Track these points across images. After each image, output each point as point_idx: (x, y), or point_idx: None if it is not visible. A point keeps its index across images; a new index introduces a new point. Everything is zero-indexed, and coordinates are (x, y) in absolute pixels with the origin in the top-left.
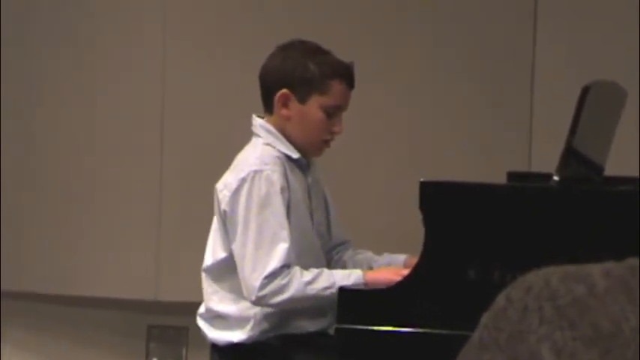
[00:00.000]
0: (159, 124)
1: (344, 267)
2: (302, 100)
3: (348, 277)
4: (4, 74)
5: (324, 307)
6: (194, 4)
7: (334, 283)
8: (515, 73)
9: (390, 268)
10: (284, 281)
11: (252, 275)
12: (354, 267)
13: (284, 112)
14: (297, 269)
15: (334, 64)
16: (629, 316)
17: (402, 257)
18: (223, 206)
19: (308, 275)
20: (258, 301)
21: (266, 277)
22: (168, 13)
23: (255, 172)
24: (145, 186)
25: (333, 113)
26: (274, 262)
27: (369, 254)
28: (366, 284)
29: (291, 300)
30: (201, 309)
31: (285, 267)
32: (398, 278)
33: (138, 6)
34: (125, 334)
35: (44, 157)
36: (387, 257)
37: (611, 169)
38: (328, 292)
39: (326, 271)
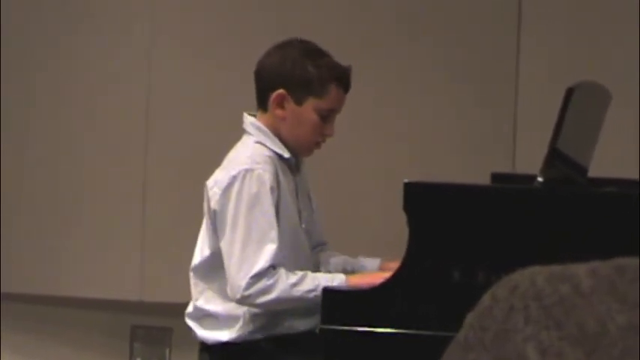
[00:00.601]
0: (144, 126)
1: (317, 268)
2: (298, 102)
3: (331, 281)
4: (2, 76)
5: (314, 306)
6: (182, 4)
7: (318, 286)
8: (500, 75)
9: (374, 273)
10: (270, 282)
11: (239, 274)
12: (329, 268)
13: (279, 112)
14: (282, 271)
15: (333, 68)
16: (615, 316)
17: (376, 261)
18: (213, 204)
19: (293, 277)
20: (242, 301)
21: (252, 277)
22: (156, 12)
23: (247, 170)
24: (130, 187)
25: (327, 116)
26: (261, 262)
27: (344, 257)
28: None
29: (276, 301)
30: (189, 308)
31: (272, 267)
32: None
33: (126, 6)
34: (109, 334)
35: (31, 160)
36: (361, 260)
37: (611, 170)
38: (312, 294)
39: (310, 274)
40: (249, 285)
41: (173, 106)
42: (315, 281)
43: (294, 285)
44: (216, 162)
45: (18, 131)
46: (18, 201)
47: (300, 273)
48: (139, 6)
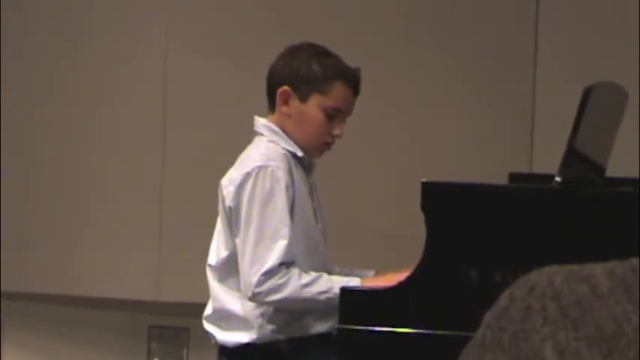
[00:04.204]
0: (160, 126)
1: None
2: (302, 99)
3: (346, 284)
4: (4, 77)
5: (333, 308)
6: (195, 8)
7: (331, 288)
8: (517, 74)
9: (388, 275)
10: (281, 281)
11: (251, 271)
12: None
13: (284, 109)
14: (296, 270)
15: (338, 67)
16: (631, 317)
17: (370, 272)
18: (228, 202)
19: (306, 278)
20: (254, 297)
21: (263, 274)
22: (170, 16)
23: (260, 167)
24: (146, 186)
25: (333, 116)
26: (273, 259)
27: (339, 268)
28: None
29: (286, 300)
30: (207, 311)
31: (284, 265)
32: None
33: (140, 9)
34: (126, 334)
35: (44, 158)
36: (356, 271)
37: (611, 169)
38: (324, 296)
39: (325, 275)
40: (260, 282)
41: (189, 105)
42: (329, 283)
43: (306, 285)
44: (232, 162)
45: (29, 129)
46: (35, 200)
47: (314, 274)
48: (154, 10)
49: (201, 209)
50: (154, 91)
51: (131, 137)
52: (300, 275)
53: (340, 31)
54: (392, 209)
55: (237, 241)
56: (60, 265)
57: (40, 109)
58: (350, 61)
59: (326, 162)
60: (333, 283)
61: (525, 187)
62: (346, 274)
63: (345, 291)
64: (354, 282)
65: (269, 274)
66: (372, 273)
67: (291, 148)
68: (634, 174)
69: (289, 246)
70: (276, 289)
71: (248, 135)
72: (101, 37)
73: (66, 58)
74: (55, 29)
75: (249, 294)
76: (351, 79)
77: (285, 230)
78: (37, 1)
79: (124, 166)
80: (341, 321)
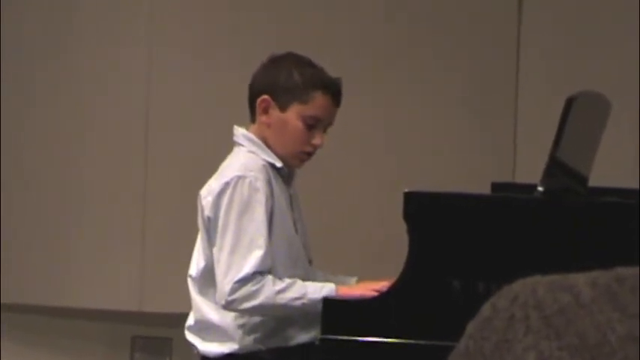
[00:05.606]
0: (143, 137)
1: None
2: (282, 108)
3: (320, 289)
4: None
5: (315, 318)
6: (181, 12)
7: (305, 294)
8: (500, 84)
9: (364, 284)
10: (254, 288)
11: (225, 280)
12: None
13: (264, 118)
14: (269, 277)
15: (319, 76)
16: (615, 326)
17: (353, 279)
18: (207, 212)
19: (280, 284)
20: (227, 306)
21: (237, 282)
22: (155, 20)
23: (239, 177)
24: (130, 197)
25: (313, 125)
26: (247, 267)
27: (324, 274)
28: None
29: (260, 307)
30: (190, 321)
31: (258, 273)
32: (371, 294)
33: (125, 13)
34: (109, 344)
35: (29, 166)
36: (339, 278)
37: (610, 175)
38: (299, 302)
39: (299, 281)
40: (233, 290)
41: (173, 116)
42: (303, 289)
43: (280, 292)
44: (216, 171)
45: (16, 139)
46: (17, 211)
47: (288, 280)
48: (138, 12)
49: (184, 220)
50: (136, 102)
51: (114, 148)
52: (274, 282)
53: (326, 35)
54: (377, 218)
55: (214, 250)
56: (43, 276)
57: (29, 123)
58: (334, 69)
59: (311, 170)
60: (307, 289)
61: (508, 196)
62: (328, 281)
63: (327, 301)
64: (328, 287)
65: (243, 281)
66: (354, 280)
67: (270, 159)
68: (633, 177)
69: (265, 256)
70: (250, 296)
71: (232, 145)
72: (89, 39)
73: (55, 58)
74: (34, 31)
75: (223, 302)
76: (332, 89)
77: (261, 240)
78: (25, 1)
79: (107, 178)
80: (324, 331)
